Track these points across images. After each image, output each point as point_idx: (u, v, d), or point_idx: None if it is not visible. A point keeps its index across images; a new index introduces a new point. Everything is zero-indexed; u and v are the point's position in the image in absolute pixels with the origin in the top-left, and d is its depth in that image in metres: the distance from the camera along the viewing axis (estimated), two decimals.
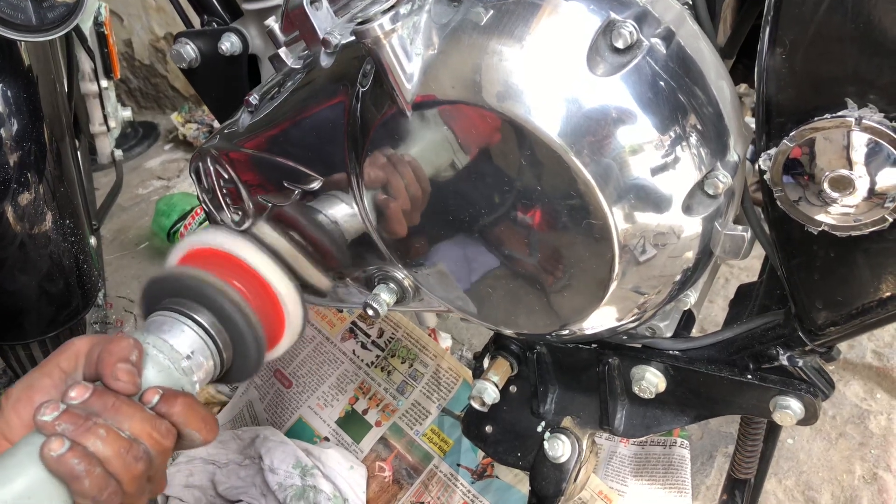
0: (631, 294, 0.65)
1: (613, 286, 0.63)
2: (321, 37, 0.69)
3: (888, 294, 0.61)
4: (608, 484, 1.23)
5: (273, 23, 0.73)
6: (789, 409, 0.72)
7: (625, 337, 0.78)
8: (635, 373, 0.78)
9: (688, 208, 0.61)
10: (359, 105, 0.66)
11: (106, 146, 1.80)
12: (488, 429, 0.91)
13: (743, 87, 0.83)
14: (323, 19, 0.70)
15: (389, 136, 0.64)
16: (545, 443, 0.85)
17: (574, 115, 0.57)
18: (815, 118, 0.55)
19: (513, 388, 0.88)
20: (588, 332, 0.70)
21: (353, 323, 1.43)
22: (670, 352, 0.77)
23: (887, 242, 0.58)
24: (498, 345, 0.85)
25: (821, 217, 0.58)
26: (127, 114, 1.94)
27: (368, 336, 1.41)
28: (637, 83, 0.58)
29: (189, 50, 0.93)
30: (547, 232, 0.62)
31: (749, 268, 1.63)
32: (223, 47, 0.92)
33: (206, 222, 1.76)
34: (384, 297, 0.75)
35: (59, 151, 1.17)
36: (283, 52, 0.74)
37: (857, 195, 0.56)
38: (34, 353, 1.30)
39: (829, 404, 1.35)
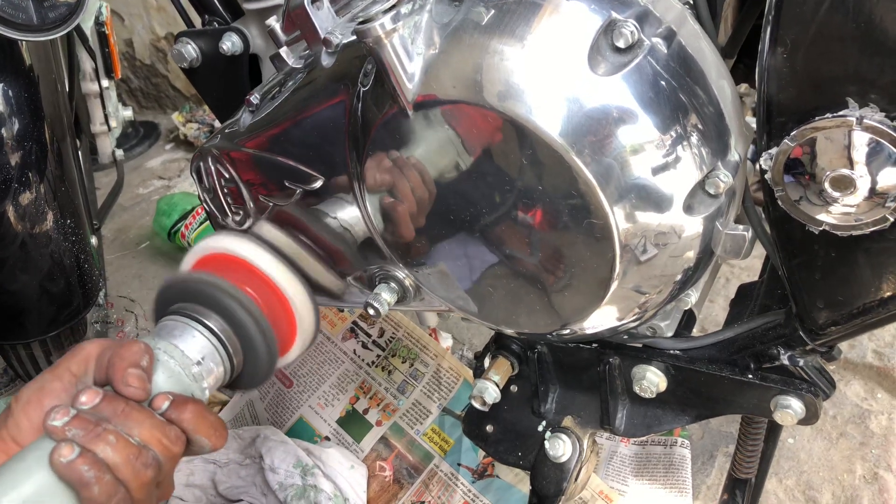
0: (632, 293, 0.65)
1: (614, 286, 0.63)
2: (322, 36, 0.69)
3: (889, 294, 0.61)
4: (609, 483, 1.23)
5: (274, 22, 0.73)
6: (790, 408, 0.72)
7: (626, 336, 0.78)
8: (636, 372, 0.78)
9: (689, 208, 0.61)
10: (360, 105, 0.66)
11: (107, 146, 1.80)
12: (489, 428, 0.91)
13: (744, 86, 0.83)
14: (324, 19, 0.70)
15: (390, 136, 0.64)
16: (546, 442, 0.85)
17: (575, 114, 0.57)
18: (816, 118, 0.55)
19: (514, 388, 0.88)
20: (589, 331, 0.70)
21: (354, 322, 1.43)
22: (671, 351, 0.78)
23: (888, 242, 0.58)
24: (499, 344, 0.85)
25: (822, 216, 0.58)
26: (128, 113, 1.94)
27: (369, 336, 1.41)
28: (638, 83, 0.58)
29: (190, 49, 0.93)
30: (548, 231, 0.62)
31: (750, 267, 1.63)
32: (224, 47, 0.92)
33: (207, 222, 1.76)
34: (385, 296, 0.75)
35: (60, 151, 1.17)
36: (284, 51, 0.74)
37: (858, 195, 0.56)
38: (35, 353, 1.30)
39: (829, 404, 1.35)
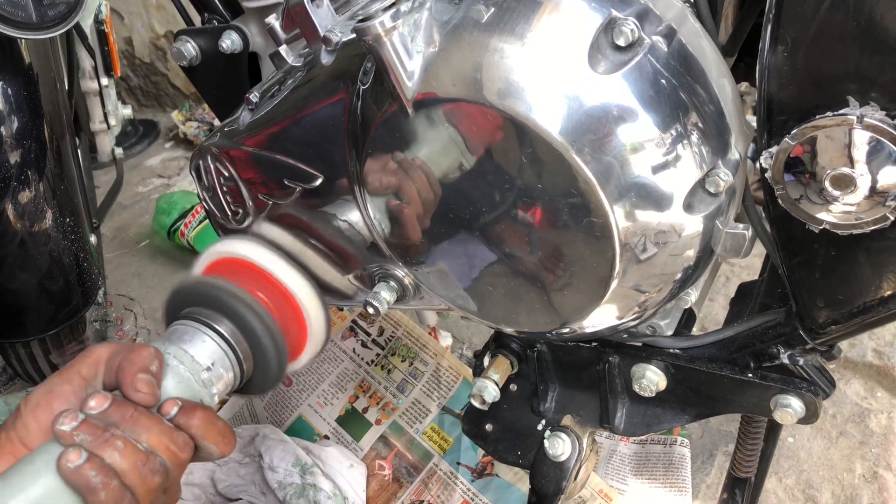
0: (632, 292, 0.65)
1: (614, 284, 0.63)
2: (322, 34, 0.69)
3: (889, 292, 0.61)
4: (608, 482, 1.23)
5: (274, 20, 0.73)
6: (790, 407, 0.72)
7: (625, 335, 0.78)
8: (636, 371, 0.78)
9: (689, 206, 0.61)
10: (359, 103, 0.66)
11: (106, 144, 1.80)
12: (488, 427, 0.91)
13: (744, 85, 0.83)
14: (324, 17, 0.70)
15: (390, 134, 0.64)
16: (545, 441, 0.85)
17: (575, 112, 0.57)
18: (817, 116, 0.55)
19: (513, 387, 0.88)
20: (589, 330, 0.70)
21: (354, 321, 1.43)
22: (671, 350, 0.77)
23: (888, 241, 0.58)
24: (498, 343, 0.85)
25: (822, 215, 0.58)
26: (127, 112, 1.94)
27: (369, 334, 1.41)
28: (638, 81, 0.57)
29: (189, 48, 0.93)
30: (548, 230, 0.62)
31: (750, 266, 1.63)
32: (224, 45, 0.92)
33: (207, 220, 1.76)
34: (384, 295, 0.75)
35: (59, 149, 1.17)
36: (283, 49, 0.74)
37: (859, 193, 0.56)
38: (34, 351, 1.30)
39: (829, 403, 1.35)
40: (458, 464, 1.27)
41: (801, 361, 0.72)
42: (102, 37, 1.71)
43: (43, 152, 1.12)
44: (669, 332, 0.77)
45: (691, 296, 0.73)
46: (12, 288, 1.18)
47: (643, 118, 0.57)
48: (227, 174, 0.78)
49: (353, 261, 0.77)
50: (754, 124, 0.62)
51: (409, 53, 0.60)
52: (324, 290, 0.79)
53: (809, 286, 0.65)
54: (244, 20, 0.93)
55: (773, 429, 0.99)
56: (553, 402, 0.86)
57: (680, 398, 0.79)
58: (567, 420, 0.85)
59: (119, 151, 1.80)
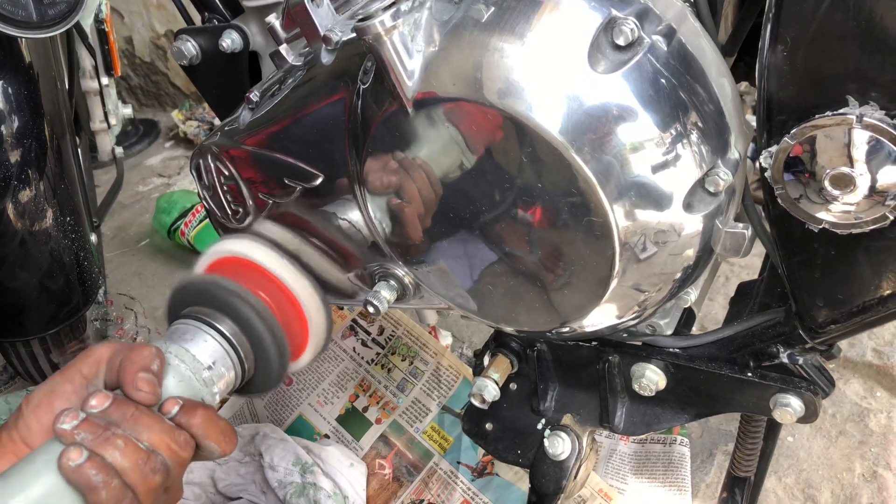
0: (631, 291, 0.65)
1: (614, 284, 0.63)
2: (322, 34, 0.69)
3: (889, 292, 0.61)
4: (608, 482, 1.23)
5: (274, 20, 0.73)
6: (789, 406, 0.72)
7: (625, 334, 0.78)
8: (635, 370, 0.78)
9: (688, 206, 0.61)
10: (360, 102, 0.66)
11: (106, 143, 1.80)
12: (488, 426, 0.91)
13: (744, 84, 0.83)
14: (324, 16, 0.70)
15: (390, 134, 0.64)
16: (545, 440, 0.85)
17: (575, 112, 0.57)
18: (817, 116, 0.55)
19: (513, 386, 0.88)
20: (588, 329, 0.70)
21: (354, 320, 1.43)
22: (670, 349, 0.78)
23: (888, 240, 0.58)
24: (498, 342, 0.85)
25: (821, 215, 0.58)
26: (127, 111, 1.94)
27: (369, 333, 1.41)
28: (638, 80, 0.58)
29: (190, 47, 0.93)
30: (547, 229, 0.62)
31: (749, 266, 1.63)
32: (224, 44, 0.92)
33: (207, 219, 1.76)
34: (384, 294, 0.75)
35: (59, 148, 1.17)
36: (283, 48, 0.74)
37: (858, 193, 0.56)
38: (34, 350, 1.30)
39: (829, 402, 1.35)
40: (459, 463, 1.27)
41: (801, 361, 0.72)
42: (103, 36, 1.71)
43: (43, 151, 1.12)
44: (669, 332, 0.77)
45: (691, 295, 0.74)
46: (13, 287, 1.18)
47: (643, 117, 0.58)
48: (227, 173, 0.79)
49: (354, 260, 0.77)
50: (754, 124, 0.62)
51: (410, 53, 0.60)
52: (324, 289, 0.79)
53: (809, 285, 0.65)
54: (244, 19, 0.93)
55: (773, 428, 0.99)
56: (553, 401, 0.86)
57: (679, 397, 0.79)
58: (567, 419, 0.85)
59: (119, 151, 1.81)
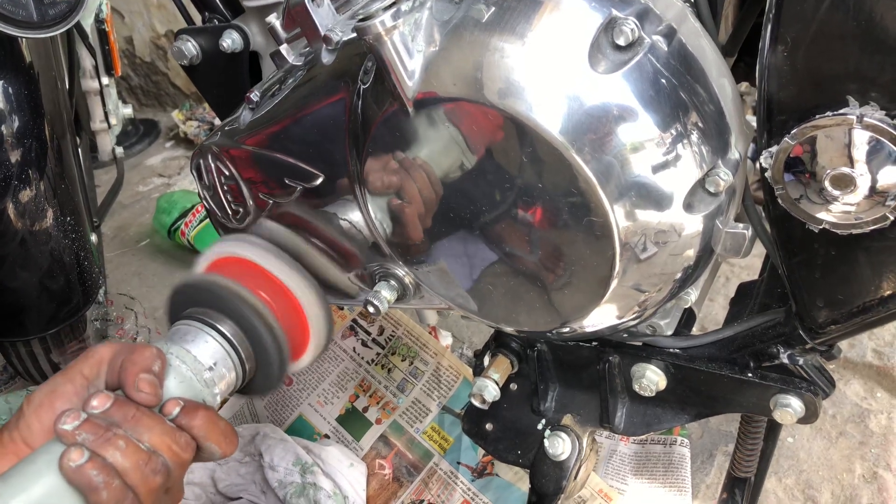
0: (632, 292, 0.65)
1: (614, 284, 0.63)
2: (322, 33, 0.69)
3: (889, 292, 0.61)
4: (608, 482, 1.23)
5: (274, 20, 0.73)
6: (790, 407, 0.72)
7: (625, 335, 0.78)
8: (636, 371, 0.78)
9: (689, 206, 0.61)
10: (360, 102, 0.66)
11: (107, 143, 1.80)
12: (489, 426, 0.91)
13: (744, 85, 0.83)
14: (324, 16, 0.70)
15: (390, 134, 0.64)
16: (545, 440, 0.85)
17: (575, 112, 0.57)
18: (817, 116, 0.55)
19: (513, 386, 0.88)
20: (589, 329, 0.70)
21: (354, 321, 1.43)
22: (671, 350, 0.78)
23: (888, 241, 0.58)
24: (498, 342, 0.85)
25: (822, 215, 0.58)
26: (128, 111, 1.94)
27: (369, 333, 1.41)
28: (638, 80, 0.58)
29: (190, 47, 0.93)
30: (548, 229, 0.62)
31: (750, 266, 1.63)
32: (224, 44, 0.92)
33: (207, 219, 1.76)
34: (385, 294, 0.75)
35: (59, 148, 1.17)
36: (284, 48, 0.74)
37: (859, 193, 0.56)
38: (35, 350, 1.30)
39: (829, 403, 1.35)
40: (459, 463, 1.27)
41: (801, 361, 0.72)
42: (103, 36, 1.71)
43: (44, 151, 1.12)
44: (669, 332, 0.77)
45: (691, 295, 0.74)
46: (13, 287, 1.18)
47: (643, 118, 0.58)
48: (227, 173, 0.79)
49: (354, 260, 0.77)
50: (754, 124, 0.62)
51: (410, 53, 0.60)
52: (325, 289, 0.79)
53: (809, 286, 0.65)
54: (245, 19, 0.93)
55: (773, 429, 0.99)
56: (553, 401, 0.86)
57: (680, 398, 0.79)
58: (567, 419, 0.85)
59: (119, 150, 1.80)
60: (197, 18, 0.98)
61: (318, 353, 0.77)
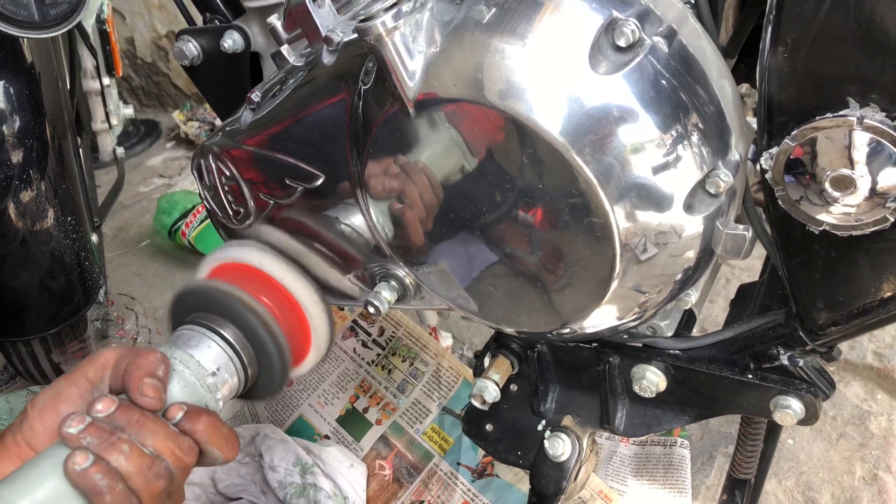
0: (632, 293, 0.65)
1: (614, 285, 0.63)
2: (323, 34, 0.69)
3: (889, 294, 0.61)
4: (608, 483, 1.23)
5: (275, 20, 0.73)
6: (790, 408, 0.72)
7: (626, 336, 0.78)
8: (636, 372, 0.78)
9: (689, 207, 0.61)
10: (361, 103, 0.66)
11: (108, 144, 1.80)
12: (489, 427, 0.91)
13: (745, 87, 0.83)
14: (325, 17, 0.70)
15: (391, 134, 0.64)
16: (545, 441, 0.85)
17: (576, 113, 0.57)
18: (817, 117, 0.55)
19: (513, 387, 0.88)
20: (589, 330, 0.70)
21: (354, 321, 1.43)
22: (671, 351, 0.78)
23: (888, 242, 0.58)
24: (499, 343, 0.85)
25: (822, 216, 0.58)
26: (129, 111, 1.94)
27: (369, 334, 1.41)
28: (639, 82, 0.58)
29: (191, 47, 0.93)
30: (548, 230, 0.62)
31: (750, 268, 1.63)
32: (225, 45, 0.92)
33: (208, 220, 1.76)
34: (385, 294, 0.75)
35: (60, 148, 1.17)
36: (285, 49, 0.74)
37: (859, 195, 0.56)
38: (35, 350, 1.30)
39: (829, 405, 1.35)
40: (459, 464, 1.27)
41: (801, 363, 0.72)
42: (104, 36, 1.71)
43: (45, 151, 1.12)
44: (670, 333, 0.77)
45: (691, 297, 0.74)
46: (14, 286, 1.18)
47: (644, 119, 0.58)
48: (228, 173, 0.79)
49: (355, 260, 0.77)
50: (755, 126, 0.62)
51: (411, 53, 0.60)
52: (325, 290, 0.79)
53: (809, 287, 0.65)
54: (246, 20, 0.93)
55: (773, 430, 0.99)
56: (553, 402, 0.86)
57: (680, 399, 0.79)
58: (567, 420, 0.85)
59: (120, 151, 1.81)
60: (198, 19, 0.98)
61: (319, 359, 0.77)
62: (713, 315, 1.54)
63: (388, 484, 1.29)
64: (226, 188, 0.80)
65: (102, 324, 1.62)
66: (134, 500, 0.58)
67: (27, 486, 0.55)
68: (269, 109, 0.75)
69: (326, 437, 1.35)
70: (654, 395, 0.78)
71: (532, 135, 0.58)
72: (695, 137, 0.59)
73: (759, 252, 0.71)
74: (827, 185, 0.56)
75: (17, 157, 1.09)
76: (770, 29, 0.55)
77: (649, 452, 1.28)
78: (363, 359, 1.40)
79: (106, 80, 1.73)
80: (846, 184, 0.56)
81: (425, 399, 1.34)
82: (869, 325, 0.65)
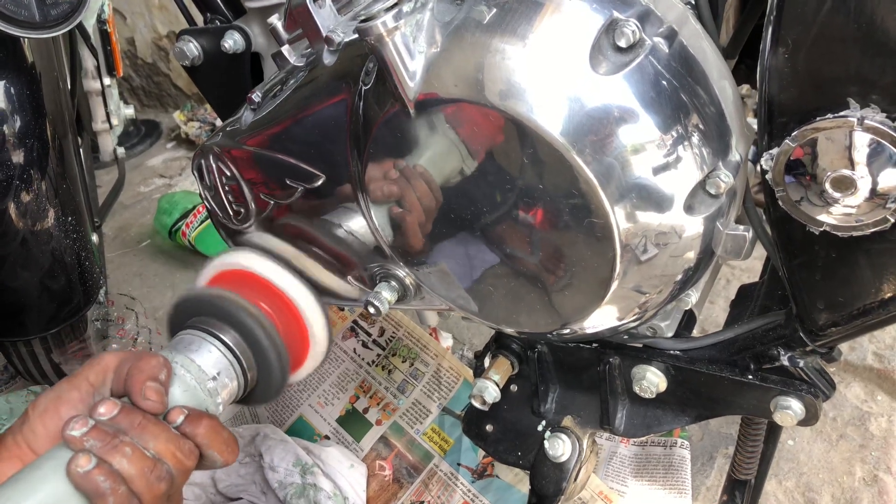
0: (632, 293, 0.65)
1: (615, 285, 0.63)
2: (324, 34, 0.69)
3: (889, 295, 0.61)
4: (608, 484, 1.23)
5: (276, 20, 0.73)
6: (790, 409, 0.72)
7: (626, 336, 0.78)
8: (636, 372, 0.78)
9: (689, 208, 0.61)
10: (361, 103, 0.66)
11: (108, 144, 1.80)
12: (489, 428, 0.91)
13: (745, 87, 0.83)
14: (326, 17, 0.70)
15: (392, 135, 0.64)
16: (545, 442, 0.85)
17: (576, 113, 0.57)
18: (818, 118, 0.55)
19: (513, 387, 0.88)
20: (589, 331, 0.70)
21: (355, 322, 1.43)
22: (671, 352, 0.77)
23: (889, 243, 0.58)
24: (499, 344, 0.85)
25: (822, 217, 0.58)
26: (129, 111, 1.94)
27: (369, 335, 1.41)
28: (639, 82, 0.58)
29: (192, 47, 0.93)
30: (549, 231, 0.62)
31: (750, 269, 1.63)
32: (226, 45, 0.92)
33: (208, 220, 1.76)
34: (385, 295, 0.75)
35: (61, 149, 1.17)
36: (285, 49, 0.74)
37: (859, 195, 0.56)
38: (35, 350, 1.30)
39: (829, 406, 1.35)
40: (459, 465, 1.27)
41: (802, 363, 0.72)
42: (105, 37, 1.71)
43: (45, 151, 1.13)
44: (670, 334, 0.77)
45: (692, 297, 0.74)
46: (14, 286, 1.18)
47: (644, 119, 0.58)
48: (229, 174, 0.79)
49: (355, 261, 0.77)
50: (755, 126, 0.62)
51: (412, 54, 0.60)
52: (326, 291, 0.79)
53: (809, 288, 0.65)
54: (246, 20, 0.93)
55: (773, 431, 0.99)
56: (553, 402, 0.86)
57: (680, 400, 0.79)
58: (567, 421, 0.85)
59: (121, 151, 1.81)
60: (199, 19, 0.98)
61: (317, 364, 0.78)
62: (713, 316, 1.54)
63: (388, 484, 1.29)
64: (226, 188, 0.80)
65: (103, 324, 1.62)
66: (135, 503, 0.58)
67: (30, 489, 0.56)
68: (269, 110, 0.75)
69: (326, 437, 1.35)
70: (654, 396, 0.78)
71: (532, 135, 0.58)
72: (695, 138, 0.59)
73: (760, 253, 0.71)
74: (827, 186, 0.56)
75: (17, 157, 1.09)
76: (770, 30, 0.55)
77: (649, 453, 1.28)
78: (363, 359, 1.40)
79: (107, 81, 1.73)
80: (846, 184, 0.56)
81: (425, 399, 1.34)
82: (869, 326, 0.65)
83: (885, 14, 0.51)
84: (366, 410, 1.35)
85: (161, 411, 0.62)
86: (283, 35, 0.74)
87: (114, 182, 1.67)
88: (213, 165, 0.80)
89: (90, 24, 1.66)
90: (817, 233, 0.59)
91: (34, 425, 0.62)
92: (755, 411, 0.76)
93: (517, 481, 1.23)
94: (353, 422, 1.35)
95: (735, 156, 0.62)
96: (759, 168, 0.60)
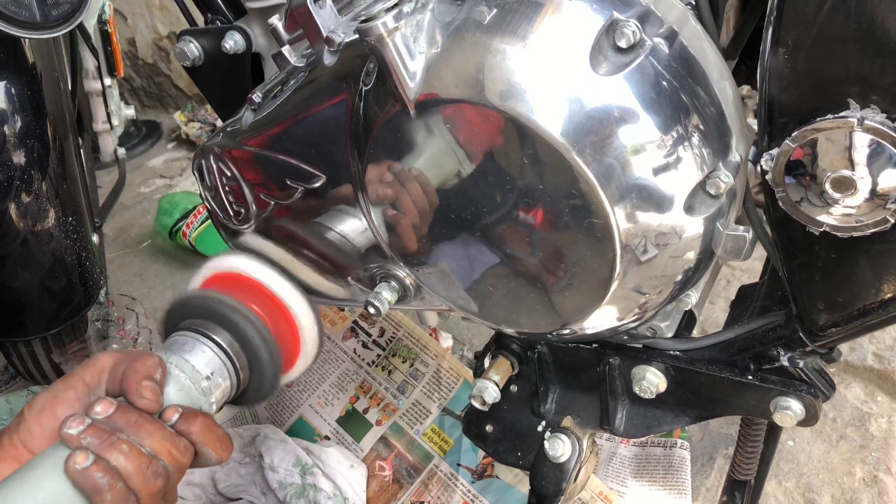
0: (632, 294, 0.65)
1: (615, 286, 0.63)
2: (324, 35, 0.69)
3: (889, 295, 0.61)
4: (608, 485, 1.23)
5: (277, 21, 0.73)
6: (790, 409, 0.72)
7: (626, 337, 0.78)
8: (636, 373, 0.78)
9: (689, 208, 0.61)
10: (361, 103, 0.66)
11: (109, 144, 1.80)
12: (489, 428, 0.91)
13: (745, 88, 0.83)
14: (326, 17, 0.70)
15: (392, 135, 0.64)
16: (545, 442, 0.85)
17: (576, 114, 0.57)
18: (818, 119, 0.55)
19: (513, 388, 0.88)
20: (589, 331, 0.70)
21: (355, 322, 1.43)
22: (671, 352, 0.78)
23: (889, 243, 0.58)
24: (499, 344, 0.85)
25: (822, 218, 0.58)
26: (130, 112, 1.94)
27: (369, 335, 1.41)
28: (640, 83, 0.58)
29: (193, 48, 0.93)
30: (549, 231, 0.62)
31: (750, 269, 1.63)
32: (227, 45, 0.92)
33: (209, 221, 1.76)
34: (386, 295, 0.75)
35: (62, 149, 1.17)
36: (286, 50, 0.74)
37: (859, 196, 0.56)
38: (36, 350, 1.30)
39: (829, 406, 1.35)
40: (459, 465, 1.27)
41: (801, 364, 0.72)
42: (106, 37, 1.72)
43: (46, 152, 1.13)
44: (670, 334, 0.78)
45: (692, 298, 0.74)
46: (14, 287, 1.18)
47: (644, 120, 0.58)
48: (229, 174, 0.79)
49: (355, 261, 0.77)
50: (755, 127, 0.62)
51: (412, 54, 0.60)
52: (325, 291, 0.79)
53: (809, 288, 0.65)
54: (247, 21, 0.93)
55: (773, 431, 0.99)
56: (553, 403, 0.86)
57: (680, 400, 0.79)
58: (567, 421, 0.85)
59: (122, 152, 1.81)
60: (199, 20, 0.98)
61: (307, 365, 0.79)
62: (713, 316, 1.54)
63: (388, 485, 1.29)
64: (227, 189, 0.80)
65: (103, 324, 1.62)
66: (132, 499, 0.59)
67: (27, 487, 0.56)
68: (270, 110, 0.75)
69: (326, 437, 1.35)
70: (654, 396, 0.78)
71: (533, 135, 0.58)
72: (695, 139, 0.59)
73: (760, 253, 0.71)
74: (827, 187, 0.56)
75: (18, 157, 1.09)
76: (771, 30, 0.55)
77: (649, 454, 1.28)
78: (363, 359, 1.40)
79: (107, 81, 1.74)
80: (846, 185, 0.56)
81: (425, 400, 1.34)
82: (869, 327, 0.65)
83: (885, 14, 0.51)
84: (366, 411, 1.35)
85: (156, 410, 0.63)
86: (284, 35, 0.74)
87: (114, 182, 1.68)
88: (214, 166, 0.80)
89: (91, 25, 1.66)
90: (817, 233, 0.59)
91: (30, 425, 0.63)
92: (755, 412, 0.76)
93: (517, 482, 1.23)
94: (353, 422, 1.35)
95: (735, 156, 0.62)
96: (759, 168, 0.60)
